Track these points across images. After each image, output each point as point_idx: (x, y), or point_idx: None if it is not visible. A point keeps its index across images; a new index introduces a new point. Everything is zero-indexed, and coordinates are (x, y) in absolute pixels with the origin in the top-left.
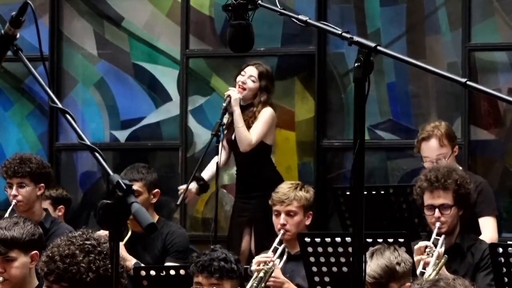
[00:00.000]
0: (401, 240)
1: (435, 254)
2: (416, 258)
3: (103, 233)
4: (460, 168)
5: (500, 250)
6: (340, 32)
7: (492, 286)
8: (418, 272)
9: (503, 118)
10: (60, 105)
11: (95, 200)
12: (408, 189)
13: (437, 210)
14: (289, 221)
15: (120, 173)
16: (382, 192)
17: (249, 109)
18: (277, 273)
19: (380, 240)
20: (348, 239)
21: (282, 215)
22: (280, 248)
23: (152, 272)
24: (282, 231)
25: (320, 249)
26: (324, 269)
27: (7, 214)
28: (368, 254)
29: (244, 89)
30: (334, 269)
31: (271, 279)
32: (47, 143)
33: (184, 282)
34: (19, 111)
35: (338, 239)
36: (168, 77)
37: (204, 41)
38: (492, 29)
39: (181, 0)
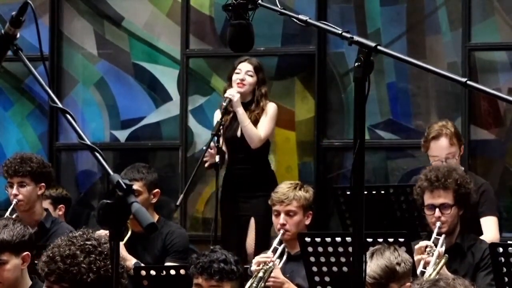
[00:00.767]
0: (401, 240)
1: (436, 253)
2: (416, 257)
3: (103, 232)
4: (462, 168)
5: (500, 250)
6: (340, 32)
7: (493, 286)
8: (418, 271)
9: (503, 118)
10: (60, 105)
11: (95, 200)
12: (408, 189)
13: (437, 209)
14: (288, 221)
15: (120, 173)
16: (382, 192)
17: (251, 105)
18: (277, 273)
19: (380, 240)
20: (348, 239)
21: (282, 215)
22: (280, 248)
23: (152, 272)
24: (281, 231)
25: (320, 249)
26: (324, 269)
27: (7, 213)
28: (368, 254)
29: (244, 85)
30: (334, 269)
31: (271, 279)
32: (47, 143)
33: (184, 282)
34: (19, 111)
35: (338, 239)
36: (168, 77)
37: (204, 41)
38: (492, 29)
39: (181, 0)
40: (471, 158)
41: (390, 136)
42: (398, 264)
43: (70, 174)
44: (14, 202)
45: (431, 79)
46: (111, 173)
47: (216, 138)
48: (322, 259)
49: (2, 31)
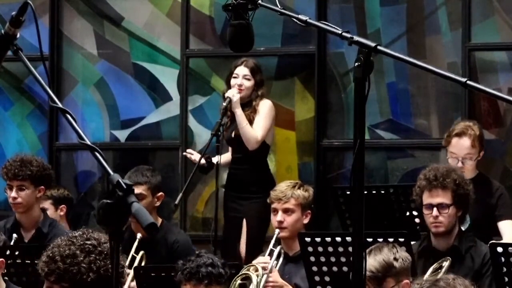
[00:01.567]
0: (401, 240)
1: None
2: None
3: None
4: (477, 171)
5: (500, 250)
6: (340, 32)
7: None
8: None
9: (503, 118)
10: (60, 105)
11: (95, 200)
12: (408, 189)
13: (435, 209)
14: (286, 219)
15: (120, 173)
16: (382, 192)
17: (249, 104)
18: (275, 277)
19: (380, 240)
20: (348, 239)
21: (279, 213)
22: (276, 250)
23: (153, 272)
24: (277, 231)
25: (320, 249)
26: (325, 268)
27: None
28: (367, 251)
29: (242, 89)
30: (335, 268)
31: (270, 283)
32: (47, 143)
33: None
34: (19, 111)
35: (338, 239)
36: (168, 77)
37: (204, 41)
38: (492, 29)
39: (181, 0)
40: None
41: (390, 136)
42: (396, 259)
43: (70, 174)
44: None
45: (431, 79)
46: (111, 173)
47: (216, 138)
48: (322, 259)
49: (2, 31)
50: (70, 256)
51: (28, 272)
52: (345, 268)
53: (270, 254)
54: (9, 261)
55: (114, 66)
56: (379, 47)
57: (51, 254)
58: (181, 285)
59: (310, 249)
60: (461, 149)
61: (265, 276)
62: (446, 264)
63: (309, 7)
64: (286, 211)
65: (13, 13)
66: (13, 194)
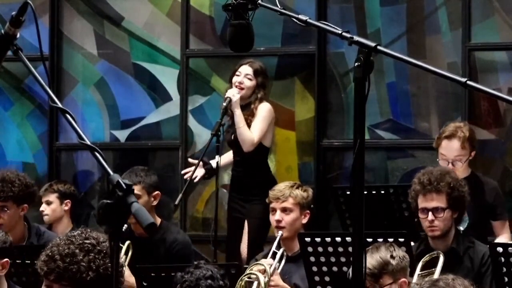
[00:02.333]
0: (401, 240)
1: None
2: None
3: None
4: (470, 170)
5: (500, 250)
6: (340, 32)
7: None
8: None
9: (503, 118)
10: (60, 105)
11: (95, 200)
12: (408, 189)
13: (430, 213)
14: (284, 218)
15: (120, 173)
16: (382, 192)
17: (247, 107)
18: (277, 280)
19: (380, 240)
20: (348, 239)
21: (278, 212)
22: (279, 253)
23: (153, 273)
24: (280, 233)
25: (320, 249)
26: (324, 268)
27: None
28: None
29: (242, 88)
30: (335, 269)
31: (272, 287)
32: (47, 143)
33: None
34: (19, 111)
35: (338, 239)
36: (168, 77)
37: (204, 41)
38: (492, 29)
39: (181, 0)
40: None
41: (390, 136)
42: (392, 257)
43: (70, 174)
44: None
45: (431, 79)
46: (111, 173)
47: (216, 138)
48: (322, 259)
49: (2, 31)
50: (70, 255)
51: (28, 272)
52: (345, 268)
53: (273, 257)
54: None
55: (114, 66)
56: (379, 47)
57: (50, 253)
58: None
59: (310, 249)
60: (450, 151)
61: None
62: (440, 259)
63: (309, 7)
64: (284, 210)
65: (13, 13)
66: None
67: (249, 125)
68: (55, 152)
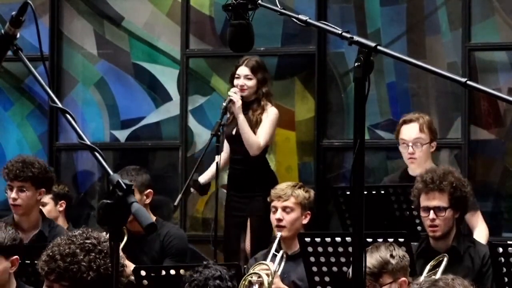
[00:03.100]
0: (401, 240)
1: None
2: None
3: None
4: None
5: (500, 250)
6: (340, 32)
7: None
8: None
9: (503, 118)
10: (60, 105)
11: (94, 200)
12: (408, 189)
13: (431, 212)
14: (285, 217)
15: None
16: (382, 192)
17: (257, 104)
18: (277, 283)
19: (380, 240)
20: (348, 239)
21: (279, 211)
22: (279, 255)
23: (153, 272)
24: (279, 233)
25: (320, 249)
26: (324, 269)
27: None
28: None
29: (244, 89)
30: (334, 269)
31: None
32: (47, 143)
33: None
34: (19, 111)
35: (338, 239)
36: (168, 77)
37: (204, 41)
38: (492, 29)
39: (181, 0)
40: (471, 158)
41: (390, 136)
42: (392, 256)
43: (70, 174)
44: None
45: (431, 79)
46: (111, 173)
47: (216, 138)
48: (322, 259)
49: (2, 31)
50: (70, 255)
51: (28, 272)
52: (345, 269)
53: (273, 259)
54: None
55: (114, 66)
56: (379, 47)
57: (51, 253)
58: None
59: (310, 249)
60: (409, 134)
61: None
62: (444, 261)
63: (309, 7)
64: (285, 209)
65: (13, 13)
66: (13, 195)
67: (258, 123)
68: (55, 152)
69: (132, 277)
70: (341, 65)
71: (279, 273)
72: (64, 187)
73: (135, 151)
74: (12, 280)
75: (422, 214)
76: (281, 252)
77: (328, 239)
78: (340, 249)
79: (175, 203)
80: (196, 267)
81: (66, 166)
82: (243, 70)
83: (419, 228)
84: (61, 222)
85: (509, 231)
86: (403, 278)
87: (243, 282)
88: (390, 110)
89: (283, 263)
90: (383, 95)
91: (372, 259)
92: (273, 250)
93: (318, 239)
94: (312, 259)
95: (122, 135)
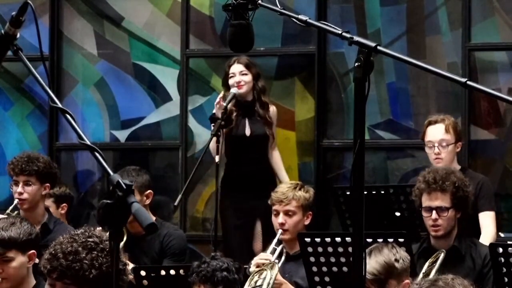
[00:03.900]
0: (401, 240)
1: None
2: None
3: None
4: (459, 167)
5: (500, 250)
6: (340, 32)
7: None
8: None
9: (503, 118)
10: (60, 105)
11: (95, 200)
12: (408, 189)
13: (434, 212)
14: (287, 221)
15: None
16: (382, 192)
17: (257, 104)
18: (277, 276)
19: (380, 240)
20: (348, 239)
21: (281, 215)
22: (278, 249)
23: (152, 272)
24: (280, 231)
25: (320, 249)
26: (324, 269)
27: (8, 210)
28: (366, 251)
29: (242, 85)
30: (334, 269)
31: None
32: (47, 143)
33: (184, 282)
34: (19, 111)
35: (338, 239)
36: (168, 77)
37: (204, 41)
38: (492, 29)
39: (181, 0)
40: (471, 158)
41: (390, 136)
42: (397, 260)
43: (70, 174)
44: (16, 201)
45: (431, 79)
46: (111, 173)
47: (216, 138)
48: (322, 259)
49: (2, 31)
50: (73, 253)
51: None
52: (345, 268)
53: (272, 253)
54: None
55: (114, 66)
56: (379, 47)
57: (53, 251)
58: (193, 285)
59: (310, 249)
60: (435, 135)
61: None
62: (440, 256)
63: (309, 7)
64: (288, 213)
65: (13, 13)
66: (19, 189)
67: (267, 122)
68: (55, 152)
69: (131, 277)
70: (341, 65)
71: (279, 265)
72: (65, 188)
73: (135, 151)
74: (30, 275)
75: (424, 214)
76: (280, 246)
77: (328, 239)
78: (340, 249)
79: (175, 203)
80: (204, 258)
81: (66, 166)
82: (237, 67)
83: (419, 228)
84: None
85: (509, 231)
86: (407, 281)
87: (252, 279)
88: (390, 110)
89: (283, 258)
90: (383, 95)
91: (376, 265)
92: (273, 245)
93: (318, 239)
94: (312, 259)
95: (122, 135)
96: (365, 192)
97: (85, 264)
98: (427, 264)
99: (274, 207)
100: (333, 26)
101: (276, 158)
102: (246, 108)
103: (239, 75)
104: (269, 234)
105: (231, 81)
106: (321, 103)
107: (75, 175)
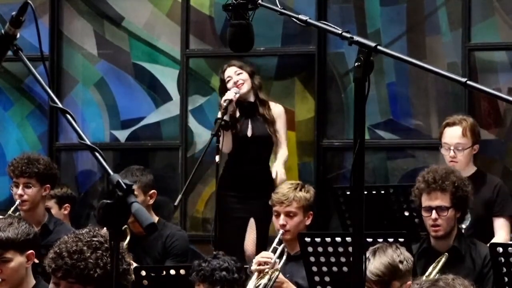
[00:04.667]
0: (401, 240)
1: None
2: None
3: None
4: (474, 169)
5: (500, 250)
6: (340, 32)
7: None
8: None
9: (503, 118)
10: (60, 105)
11: (95, 200)
12: (408, 189)
13: (434, 211)
14: (288, 222)
15: (119, 173)
16: (382, 192)
17: (261, 102)
18: (280, 276)
19: (380, 240)
20: (348, 239)
21: (282, 216)
22: (280, 248)
23: (153, 272)
24: (281, 231)
25: (320, 249)
26: (324, 269)
27: (10, 212)
28: (370, 252)
29: (241, 84)
30: (335, 269)
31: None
32: (47, 143)
33: (184, 282)
34: (19, 111)
35: (338, 239)
36: (168, 77)
37: (204, 41)
38: (492, 29)
39: (181, 0)
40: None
41: (390, 136)
42: (401, 262)
43: (70, 174)
44: (17, 202)
45: (431, 79)
46: (111, 173)
47: (216, 138)
48: (322, 259)
49: (2, 31)
50: (77, 252)
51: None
52: (345, 268)
53: (273, 252)
54: None
55: (114, 66)
56: (379, 47)
57: (58, 250)
58: (194, 284)
59: (310, 249)
60: (452, 138)
61: (273, 275)
62: (442, 259)
63: (309, 7)
64: (289, 214)
65: (13, 13)
66: (19, 191)
67: (267, 121)
68: (55, 152)
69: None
70: (341, 65)
71: (279, 266)
72: (67, 189)
73: (135, 151)
74: (29, 275)
75: (424, 214)
76: (281, 246)
77: (328, 239)
78: (340, 249)
79: (175, 203)
80: (206, 257)
81: (66, 166)
82: (231, 70)
83: (419, 228)
84: None
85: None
86: (409, 282)
87: (259, 279)
88: (390, 110)
89: (284, 258)
90: (383, 95)
91: (381, 266)
92: (274, 244)
93: (318, 239)
94: (312, 259)
95: (122, 135)
96: (365, 192)
97: (90, 263)
98: (430, 268)
99: (274, 208)
100: (333, 26)
101: (279, 154)
102: (248, 109)
103: (236, 76)
104: (263, 235)
105: (229, 85)
106: (321, 103)
107: (75, 175)
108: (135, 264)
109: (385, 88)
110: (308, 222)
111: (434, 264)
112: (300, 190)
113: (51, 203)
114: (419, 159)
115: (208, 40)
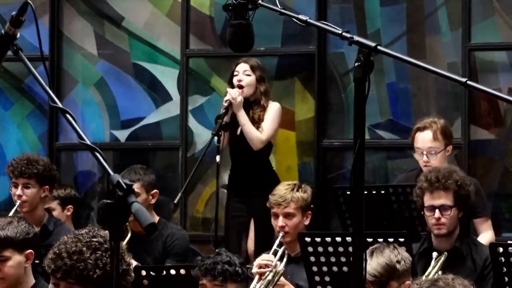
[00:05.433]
0: (401, 240)
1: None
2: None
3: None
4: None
5: (500, 250)
6: (340, 32)
7: None
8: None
9: (503, 118)
10: (60, 105)
11: (95, 200)
12: (408, 189)
13: (437, 210)
14: (287, 223)
15: (120, 173)
16: (382, 192)
17: (257, 104)
18: (281, 279)
19: (380, 240)
20: (348, 239)
21: (280, 217)
22: (280, 250)
23: (153, 272)
24: (281, 233)
25: (320, 249)
26: (325, 268)
27: (11, 214)
28: (367, 252)
29: (242, 86)
30: (335, 268)
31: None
32: (47, 143)
33: (184, 282)
34: (19, 111)
35: (338, 239)
36: (168, 77)
37: (204, 41)
38: (492, 29)
39: (181, 0)
40: (471, 158)
41: (390, 136)
42: (398, 262)
43: (70, 174)
44: (17, 203)
45: (431, 79)
46: (111, 173)
47: (217, 138)
48: (322, 259)
49: (2, 31)
50: (77, 252)
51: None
52: (345, 268)
53: (274, 254)
54: None
55: (114, 66)
56: (379, 47)
57: (57, 251)
58: (198, 280)
59: (310, 249)
60: (423, 142)
61: (276, 275)
62: (442, 258)
63: (309, 7)
64: (287, 215)
65: (13, 13)
66: (18, 192)
67: (260, 121)
68: (55, 152)
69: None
70: (341, 65)
71: (280, 268)
72: (70, 190)
73: (135, 151)
74: (29, 275)
75: (427, 213)
76: (282, 248)
77: (328, 239)
78: (340, 249)
79: (175, 201)
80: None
81: (66, 166)
82: (242, 66)
83: (419, 228)
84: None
85: (509, 231)
86: (408, 282)
87: (265, 280)
88: (390, 110)
89: (284, 259)
90: (383, 95)
91: (378, 267)
92: (275, 246)
93: (318, 239)
94: (312, 259)
95: (122, 135)
96: (365, 192)
97: (89, 264)
98: (430, 268)
99: (273, 210)
100: (333, 26)
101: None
102: (244, 107)
103: (242, 74)
104: (263, 235)
105: (234, 80)
106: (321, 103)
107: (75, 175)
108: (135, 263)
109: (385, 88)
110: (307, 222)
111: (433, 263)
112: (297, 190)
113: (54, 204)
114: None
115: (208, 40)
